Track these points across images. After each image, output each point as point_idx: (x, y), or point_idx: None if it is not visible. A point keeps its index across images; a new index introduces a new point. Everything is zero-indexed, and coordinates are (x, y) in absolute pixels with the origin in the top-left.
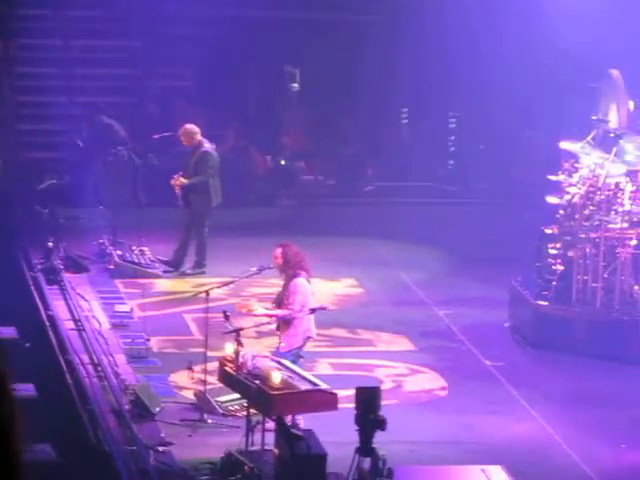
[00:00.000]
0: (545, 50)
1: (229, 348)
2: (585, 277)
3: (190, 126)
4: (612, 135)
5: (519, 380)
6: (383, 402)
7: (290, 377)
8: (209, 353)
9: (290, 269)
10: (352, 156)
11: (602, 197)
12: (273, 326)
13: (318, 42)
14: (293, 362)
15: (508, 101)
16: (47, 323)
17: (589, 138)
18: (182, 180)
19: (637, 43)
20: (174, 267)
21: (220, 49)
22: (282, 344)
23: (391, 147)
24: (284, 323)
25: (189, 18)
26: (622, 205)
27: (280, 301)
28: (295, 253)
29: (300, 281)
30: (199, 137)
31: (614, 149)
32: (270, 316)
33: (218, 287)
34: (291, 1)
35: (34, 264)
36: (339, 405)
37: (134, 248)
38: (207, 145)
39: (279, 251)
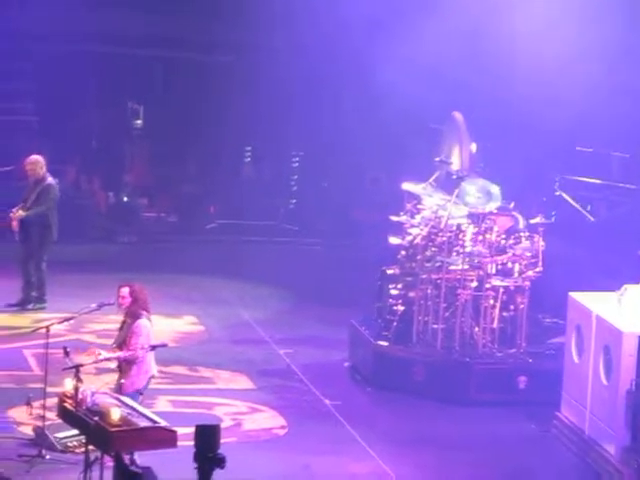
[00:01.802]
0: (385, 98)
1: (69, 384)
2: (426, 318)
3: (37, 157)
4: (454, 177)
5: (358, 420)
6: (222, 440)
7: (129, 414)
8: (48, 389)
9: (131, 308)
10: (195, 193)
11: (444, 238)
12: (113, 365)
13: (162, 79)
14: (133, 399)
15: (348, 142)
16: None
17: (431, 179)
18: (21, 212)
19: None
20: (22, 304)
21: (63, 83)
22: (126, 384)
23: (234, 185)
24: (126, 364)
25: (26, 53)
26: (463, 247)
27: (121, 341)
28: (137, 292)
29: (143, 322)
30: (44, 170)
31: (456, 191)
32: (114, 359)
33: (58, 323)
34: (136, 38)
35: None
36: (178, 442)
37: None
38: (50, 179)
39: (126, 291)
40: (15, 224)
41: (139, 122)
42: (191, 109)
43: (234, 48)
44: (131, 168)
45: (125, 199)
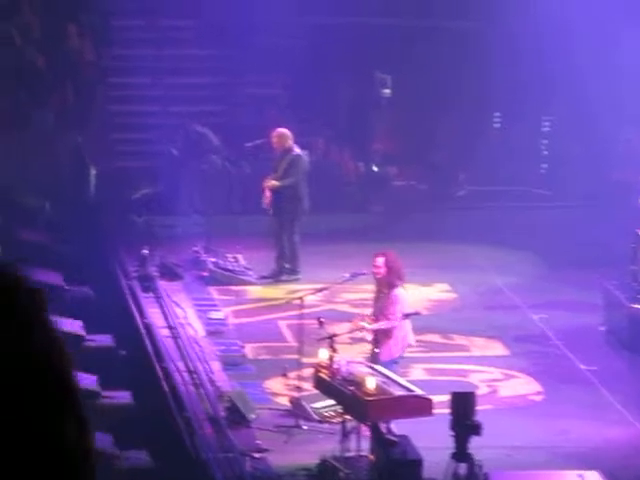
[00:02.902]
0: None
1: (323, 354)
2: None
3: (283, 130)
4: None
5: (615, 385)
6: (478, 407)
7: (384, 383)
8: (303, 360)
9: (388, 277)
10: (444, 161)
11: None
12: (368, 335)
13: (409, 48)
14: (389, 368)
15: (604, 102)
16: (143, 330)
17: None
18: (273, 182)
19: None
20: (276, 275)
21: (311, 56)
22: (383, 353)
23: (483, 151)
24: (383, 333)
25: (280, 26)
26: None
27: (380, 310)
28: (393, 261)
29: (399, 291)
30: (291, 142)
31: None
32: (374, 329)
33: (312, 293)
34: (383, 8)
35: (129, 271)
36: (434, 410)
37: (228, 255)
38: (297, 150)
39: (381, 260)
40: (267, 194)
41: (387, 91)
42: (439, 77)
43: (482, 14)
44: (380, 137)
45: (375, 168)
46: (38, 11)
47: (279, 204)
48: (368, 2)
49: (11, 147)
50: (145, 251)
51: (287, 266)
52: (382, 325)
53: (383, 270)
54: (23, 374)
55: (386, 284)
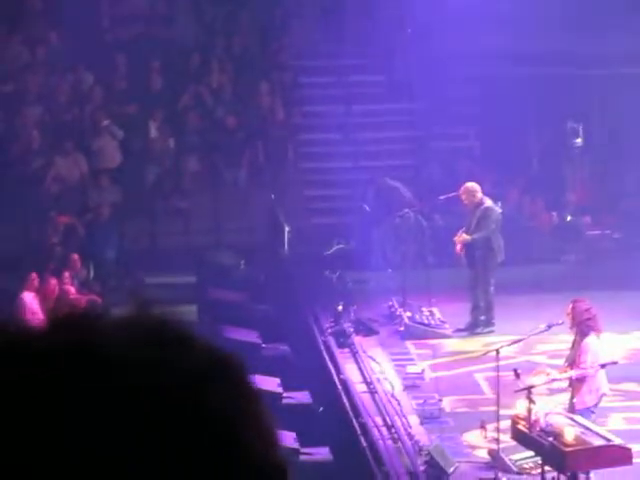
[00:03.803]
0: None
1: (521, 406)
2: None
3: (471, 184)
4: None
5: None
6: None
7: (583, 433)
8: (501, 411)
9: (580, 326)
10: (637, 208)
11: None
12: (565, 384)
13: (602, 97)
14: (585, 417)
15: None
16: (340, 386)
17: None
18: (464, 236)
19: None
20: (471, 328)
21: (500, 107)
22: (577, 402)
23: None
24: (577, 381)
25: (469, 77)
26: None
27: (572, 359)
28: (585, 310)
29: (591, 339)
30: (480, 195)
31: None
32: (565, 379)
33: (508, 345)
34: (572, 58)
35: (325, 328)
36: (634, 460)
37: (423, 309)
38: (489, 202)
39: (570, 307)
40: (459, 247)
41: (579, 140)
42: (630, 124)
43: None
44: (573, 187)
45: (568, 218)
46: (228, 71)
47: (472, 256)
48: (560, 52)
49: (205, 207)
50: (339, 307)
51: (482, 318)
52: (572, 374)
53: (573, 318)
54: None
55: (579, 332)
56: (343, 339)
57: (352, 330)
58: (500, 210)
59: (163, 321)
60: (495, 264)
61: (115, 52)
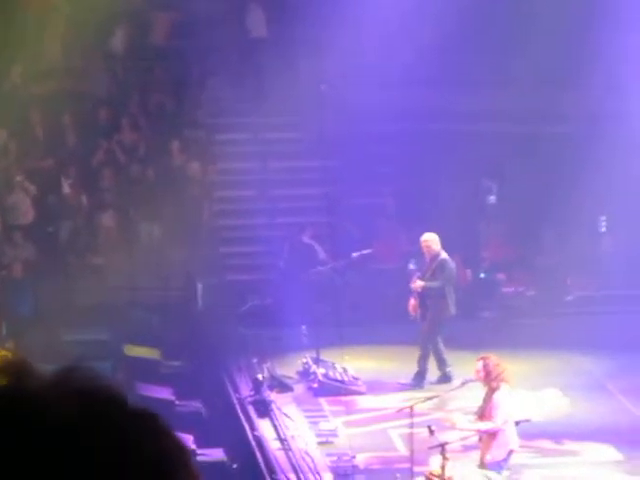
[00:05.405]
0: None
1: (435, 462)
2: None
3: (431, 234)
4: None
5: None
6: None
7: None
8: (415, 468)
9: (492, 382)
10: (551, 266)
11: None
12: (477, 439)
13: (515, 154)
14: (498, 474)
15: None
16: (254, 443)
17: None
18: (419, 282)
19: None
20: (418, 379)
21: (415, 164)
22: (487, 457)
23: (591, 256)
24: (487, 436)
25: (383, 134)
26: None
27: (482, 414)
28: (495, 365)
29: (502, 394)
30: (439, 246)
31: None
32: (473, 430)
33: (422, 402)
34: (487, 114)
35: (244, 397)
36: None
37: (337, 366)
38: (445, 255)
39: (480, 364)
40: (413, 301)
41: (492, 198)
42: (544, 182)
43: (582, 118)
44: (487, 244)
45: (482, 275)
46: (142, 127)
47: (426, 306)
48: (471, 109)
49: (120, 262)
50: (260, 376)
51: (448, 369)
52: (481, 426)
53: (482, 374)
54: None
55: (489, 387)
56: (263, 408)
57: (272, 400)
58: (454, 264)
59: (93, 381)
60: (447, 316)
61: (29, 107)
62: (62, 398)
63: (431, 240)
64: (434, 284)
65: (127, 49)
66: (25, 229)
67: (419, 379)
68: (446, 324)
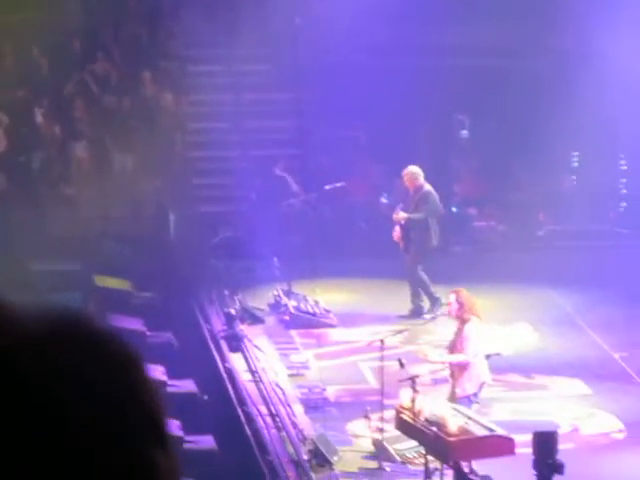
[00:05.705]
0: None
1: (405, 396)
2: None
3: (414, 167)
4: None
5: None
6: (561, 446)
7: (467, 423)
8: (385, 401)
9: (463, 314)
10: (523, 201)
11: None
12: (447, 372)
13: (487, 89)
14: (468, 408)
15: None
16: (225, 375)
17: None
18: (402, 214)
19: None
20: (416, 315)
21: (387, 98)
22: (457, 390)
23: (562, 191)
24: (458, 369)
25: (355, 68)
26: None
27: (453, 347)
28: (467, 298)
29: (473, 328)
30: (422, 179)
31: None
32: (444, 363)
33: (392, 335)
34: (460, 48)
35: (216, 332)
36: (516, 450)
37: (308, 298)
38: (428, 186)
39: (452, 297)
40: (397, 229)
41: (465, 132)
42: (516, 117)
43: (559, 54)
44: (459, 179)
45: (454, 209)
46: (115, 59)
47: (409, 238)
48: (445, 43)
49: (92, 193)
50: (232, 311)
51: (422, 304)
52: (453, 359)
53: (455, 307)
54: (123, 411)
55: (460, 320)
56: (235, 342)
57: (244, 334)
58: (437, 196)
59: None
60: (429, 247)
61: (1, 37)
62: (33, 322)
63: (414, 172)
64: (417, 216)
65: None
66: None
67: (418, 312)
68: (428, 255)
